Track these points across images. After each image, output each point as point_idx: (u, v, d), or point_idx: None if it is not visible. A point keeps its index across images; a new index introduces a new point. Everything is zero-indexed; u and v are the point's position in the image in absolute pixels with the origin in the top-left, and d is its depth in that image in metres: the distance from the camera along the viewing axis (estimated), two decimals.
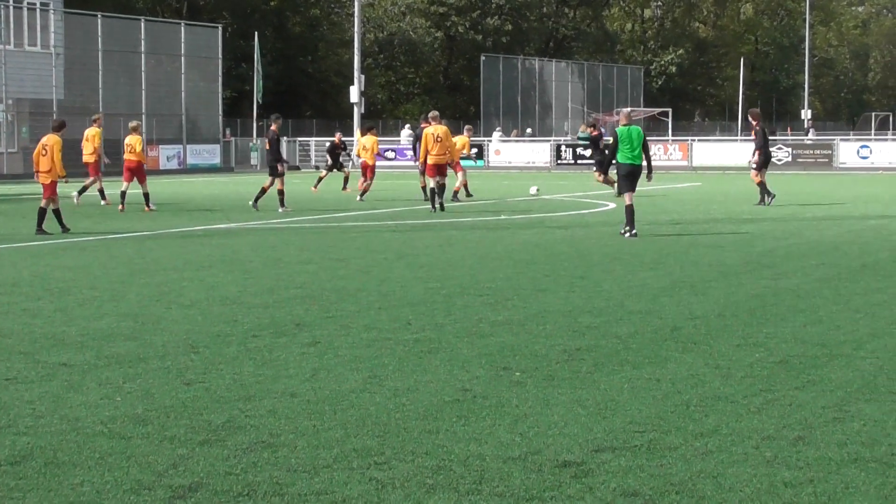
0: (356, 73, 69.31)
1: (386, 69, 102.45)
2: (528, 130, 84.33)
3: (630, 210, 22.92)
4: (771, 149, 33.13)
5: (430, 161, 30.81)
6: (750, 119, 34.21)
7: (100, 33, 61.62)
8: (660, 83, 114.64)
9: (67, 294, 15.14)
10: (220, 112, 69.28)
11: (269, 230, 25.75)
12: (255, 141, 70.02)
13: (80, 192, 33.86)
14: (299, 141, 72.70)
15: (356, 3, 70.33)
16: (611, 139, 24.04)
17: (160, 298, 14.67)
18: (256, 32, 69.52)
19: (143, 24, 64.27)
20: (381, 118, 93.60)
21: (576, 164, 65.50)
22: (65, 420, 8.49)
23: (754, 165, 33.10)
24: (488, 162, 67.64)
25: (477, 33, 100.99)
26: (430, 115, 32.15)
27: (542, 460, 7.45)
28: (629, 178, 23.14)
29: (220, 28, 68.99)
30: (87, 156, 34.51)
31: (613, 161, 23.90)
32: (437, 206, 30.31)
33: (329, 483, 7.01)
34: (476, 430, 8.20)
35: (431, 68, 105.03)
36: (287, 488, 6.91)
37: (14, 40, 58.55)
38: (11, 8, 58.64)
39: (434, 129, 31.04)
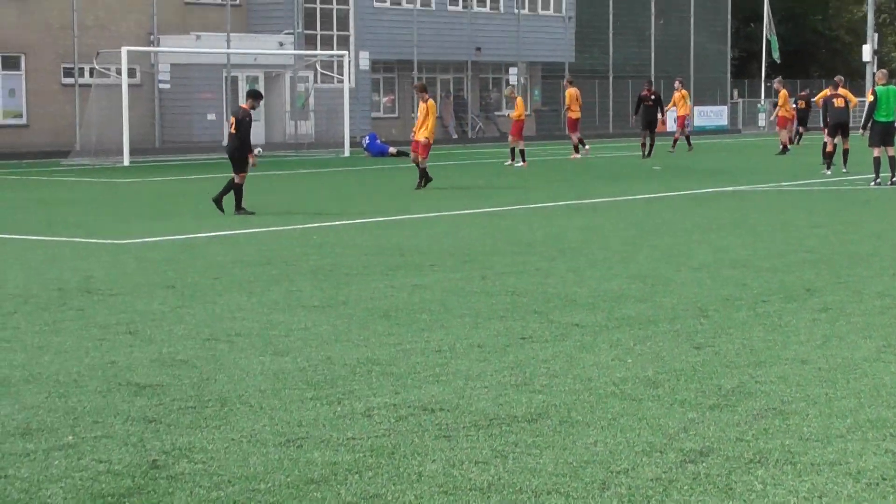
0: (869, 31, 67.13)
1: None
2: None
3: (877, 161, 26.07)
4: None
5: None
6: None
7: None
8: None
9: (579, 254, 15.48)
10: (729, 73, 68.77)
11: (777, 193, 25.40)
12: (762, 102, 69.09)
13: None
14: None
15: None
16: None
17: (669, 260, 14.76)
18: None
19: None
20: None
21: None
22: (578, 380, 8.69)
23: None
24: None
25: None
26: (836, 78, 31.94)
27: None
28: (882, 135, 26.08)
29: None
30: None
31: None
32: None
33: (843, 453, 6.87)
34: None
35: None
36: (799, 457, 6.81)
37: (528, 5, 60.31)
38: None
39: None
